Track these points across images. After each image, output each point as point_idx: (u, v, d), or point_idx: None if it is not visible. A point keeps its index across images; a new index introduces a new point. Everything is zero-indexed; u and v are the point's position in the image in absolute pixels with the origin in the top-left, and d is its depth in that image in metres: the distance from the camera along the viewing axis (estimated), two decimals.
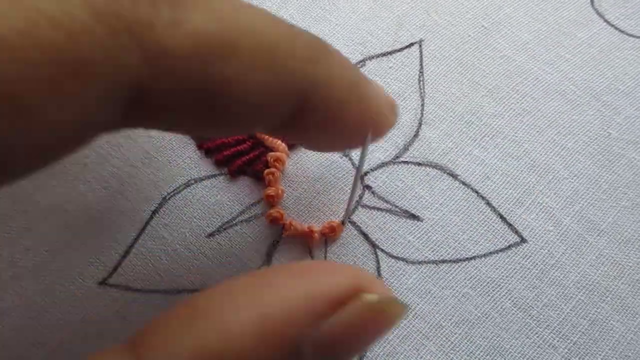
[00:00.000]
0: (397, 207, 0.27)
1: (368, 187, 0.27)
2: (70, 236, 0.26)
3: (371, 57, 0.29)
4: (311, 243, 0.26)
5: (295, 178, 0.27)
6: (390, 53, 0.29)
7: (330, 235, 0.26)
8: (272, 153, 0.27)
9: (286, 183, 0.27)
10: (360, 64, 0.29)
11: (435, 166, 0.27)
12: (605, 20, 0.31)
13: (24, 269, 0.25)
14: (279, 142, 0.27)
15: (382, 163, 0.27)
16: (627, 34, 0.30)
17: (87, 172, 0.27)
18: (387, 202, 0.27)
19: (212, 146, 0.27)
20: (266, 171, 0.27)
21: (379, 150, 0.27)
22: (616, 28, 0.30)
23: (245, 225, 0.27)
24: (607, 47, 0.30)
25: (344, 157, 0.28)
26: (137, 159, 0.27)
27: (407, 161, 0.27)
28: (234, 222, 0.27)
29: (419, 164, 0.27)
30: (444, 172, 0.27)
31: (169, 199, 0.27)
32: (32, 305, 0.25)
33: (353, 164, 0.27)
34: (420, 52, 0.30)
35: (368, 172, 0.27)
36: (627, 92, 0.29)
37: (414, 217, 0.26)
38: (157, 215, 0.26)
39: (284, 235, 0.26)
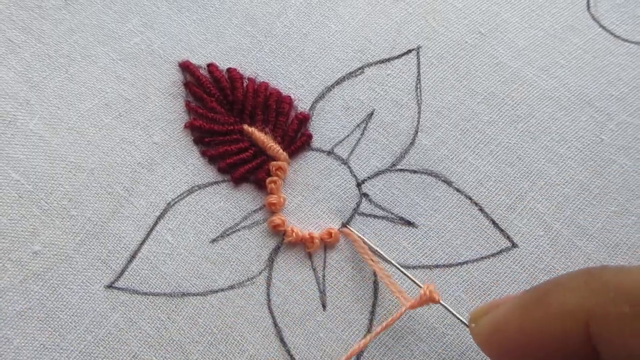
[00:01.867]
0: (392, 214, 0.27)
1: (365, 195, 0.28)
2: (78, 241, 0.26)
3: (369, 64, 0.30)
4: (311, 249, 0.27)
5: (296, 186, 0.28)
6: (388, 60, 0.30)
7: (329, 241, 0.27)
8: (275, 162, 0.28)
9: (287, 191, 0.28)
10: (359, 71, 0.30)
11: (430, 173, 0.28)
12: (601, 26, 0.30)
13: (32, 273, 0.26)
14: (281, 151, 0.28)
15: (379, 171, 0.28)
16: (622, 39, 0.30)
17: (93, 178, 0.27)
18: (383, 209, 0.28)
19: (215, 154, 0.28)
20: (268, 179, 0.27)
21: (376, 158, 0.28)
22: (611, 33, 0.30)
23: (248, 231, 0.27)
24: (602, 53, 0.30)
25: (343, 165, 0.28)
26: (142, 166, 0.28)
27: (403, 169, 0.28)
28: (237, 228, 0.27)
29: (415, 172, 0.28)
30: (439, 179, 0.28)
31: (173, 204, 0.27)
32: (41, 308, 0.26)
33: (351, 171, 0.28)
34: (418, 59, 0.30)
35: (365, 180, 0.28)
36: (620, 98, 0.29)
37: (409, 223, 0.27)
38: (162, 220, 0.27)
39: (285, 241, 0.27)
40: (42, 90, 0.28)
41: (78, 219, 0.27)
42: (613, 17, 0.31)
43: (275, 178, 0.27)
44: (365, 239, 0.27)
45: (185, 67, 0.29)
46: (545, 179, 0.28)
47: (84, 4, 0.30)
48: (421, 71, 0.30)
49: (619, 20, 0.31)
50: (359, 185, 0.28)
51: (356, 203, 0.28)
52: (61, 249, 0.26)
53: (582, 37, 0.30)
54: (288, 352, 0.26)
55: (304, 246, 0.27)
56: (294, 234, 0.27)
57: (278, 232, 0.27)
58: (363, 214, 0.28)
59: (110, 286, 0.26)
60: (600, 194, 0.28)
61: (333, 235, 0.27)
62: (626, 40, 0.30)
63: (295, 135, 0.28)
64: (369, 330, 0.26)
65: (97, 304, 0.26)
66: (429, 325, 0.26)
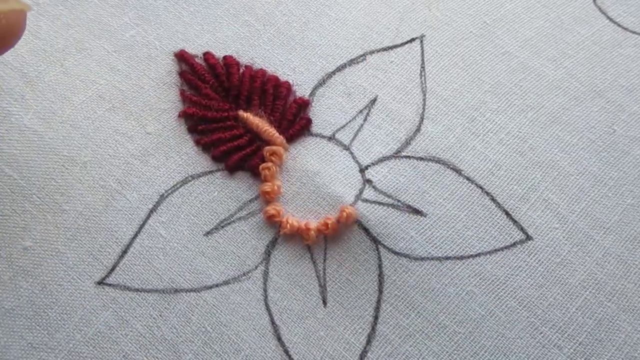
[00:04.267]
0: (399, 201, 0.26)
1: (369, 181, 0.27)
2: (69, 236, 0.26)
3: (372, 52, 0.29)
4: (308, 241, 0.26)
5: (295, 173, 0.27)
6: (391, 48, 0.29)
7: (326, 232, 0.26)
8: (269, 147, 0.27)
9: (284, 177, 0.27)
10: (361, 58, 0.29)
11: (438, 161, 0.27)
12: (608, 17, 0.30)
13: (22, 270, 0.25)
14: (277, 135, 0.27)
15: (383, 157, 0.27)
16: (630, 31, 0.30)
17: (86, 171, 0.27)
18: (388, 196, 0.26)
19: (209, 141, 0.27)
20: (262, 166, 0.26)
21: (379, 144, 0.27)
22: (619, 25, 0.30)
23: (243, 222, 0.26)
24: (610, 44, 0.29)
25: (345, 151, 0.27)
26: (135, 157, 0.27)
27: (409, 156, 0.27)
28: (232, 220, 0.26)
29: (421, 159, 0.27)
30: (447, 167, 0.27)
31: (167, 196, 0.27)
32: (30, 306, 0.25)
33: (354, 157, 0.27)
34: (422, 47, 0.29)
35: (369, 166, 0.27)
36: (630, 89, 0.28)
37: (417, 212, 0.26)
38: (155, 213, 0.26)
39: (280, 233, 0.26)
40: (37, 85, 0.28)
41: (70, 213, 0.26)
42: (620, 9, 0.30)
43: (269, 164, 0.26)
44: None
45: (181, 57, 0.29)
46: (559, 169, 0.27)
47: None
48: (425, 59, 0.29)
49: (625, 12, 0.30)
50: (362, 171, 0.27)
51: (359, 189, 0.27)
52: (52, 245, 0.26)
53: (589, 29, 0.30)
54: (286, 351, 0.24)
55: (302, 238, 0.26)
56: (288, 225, 0.25)
57: (274, 223, 0.26)
58: (367, 201, 0.26)
59: (101, 282, 0.25)
60: (616, 185, 0.27)
61: (330, 226, 0.26)
62: (634, 32, 0.30)
63: (294, 119, 0.27)
64: (373, 329, 0.25)
65: (87, 301, 0.25)
66: (438, 322, 0.25)
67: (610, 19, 0.30)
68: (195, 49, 0.29)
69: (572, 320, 0.24)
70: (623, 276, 0.25)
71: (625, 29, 0.30)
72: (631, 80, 0.29)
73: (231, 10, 0.30)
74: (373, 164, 0.27)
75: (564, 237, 0.26)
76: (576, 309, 0.25)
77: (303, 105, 0.28)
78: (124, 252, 0.26)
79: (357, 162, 0.27)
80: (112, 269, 0.25)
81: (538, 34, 0.30)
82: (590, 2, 0.30)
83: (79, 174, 0.27)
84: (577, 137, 0.28)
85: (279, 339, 0.25)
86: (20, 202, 0.26)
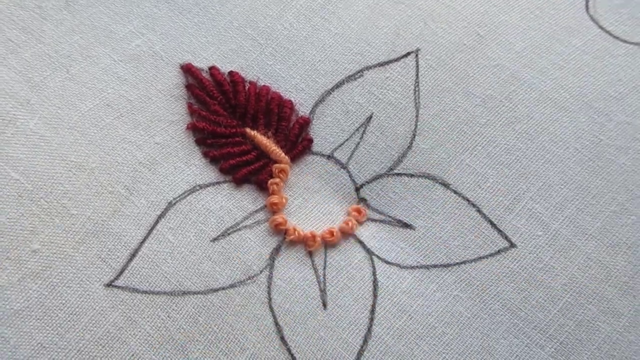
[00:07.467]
0: (390, 217, 0.28)
1: (363, 199, 0.28)
2: (77, 239, 0.26)
3: (369, 67, 0.30)
4: (312, 248, 0.27)
5: (297, 189, 0.28)
6: (387, 63, 0.30)
7: (330, 240, 0.27)
8: (277, 164, 0.28)
9: (287, 193, 0.28)
10: (358, 74, 0.30)
11: (427, 176, 0.28)
12: (600, 27, 0.31)
13: (31, 272, 0.26)
14: (283, 154, 0.28)
15: (377, 175, 0.28)
16: (621, 40, 0.30)
17: (94, 177, 0.27)
18: (381, 213, 0.28)
19: (217, 155, 0.28)
20: (270, 181, 0.28)
21: (374, 162, 0.28)
22: (610, 34, 0.30)
23: (249, 230, 0.27)
24: (601, 54, 0.30)
25: (343, 170, 0.28)
26: (144, 165, 0.28)
27: (400, 173, 0.28)
28: (238, 227, 0.27)
29: (412, 175, 0.28)
30: (436, 182, 0.28)
31: (175, 204, 0.27)
32: (40, 307, 0.25)
33: (350, 176, 0.28)
34: (417, 61, 0.30)
35: (364, 184, 0.28)
36: (618, 98, 0.29)
37: (406, 225, 0.27)
38: (163, 219, 0.27)
39: (287, 239, 0.27)
40: (43, 90, 0.28)
41: (78, 217, 0.27)
42: (612, 18, 0.31)
43: (277, 180, 0.28)
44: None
45: (187, 70, 0.29)
46: (543, 179, 0.28)
47: (84, 4, 0.30)
48: (420, 74, 0.30)
49: (617, 21, 0.31)
50: (357, 189, 0.28)
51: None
52: (60, 248, 0.26)
53: (581, 39, 0.30)
54: (289, 350, 0.26)
55: (305, 245, 0.27)
56: (296, 233, 0.27)
57: (280, 231, 0.27)
58: None
59: (109, 285, 0.26)
60: (599, 194, 0.28)
61: (334, 234, 0.27)
62: (625, 41, 0.30)
63: (297, 139, 0.29)
64: (369, 330, 0.26)
65: (96, 303, 0.26)
66: (428, 324, 0.26)
67: (602, 28, 0.30)
68: (200, 61, 0.30)
69: (553, 322, 0.26)
70: (604, 280, 0.26)
71: (617, 37, 0.30)
72: (619, 89, 0.29)
73: (234, 23, 0.30)
74: (367, 182, 0.28)
75: (546, 244, 0.27)
76: (558, 311, 0.26)
77: (305, 124, 0.29)
78: (133, 255, 0.26)
79: (353, 180, 0.28)
80: (121, 272, 0.26)
81: (530, 45, 0.30)
82: (582, 12, 0.31)
83: (87, 180, 0.27)
84: (563, 147, 0.29)
85: (282, 338, 0.26)
86: (27, 205, 0.27)
